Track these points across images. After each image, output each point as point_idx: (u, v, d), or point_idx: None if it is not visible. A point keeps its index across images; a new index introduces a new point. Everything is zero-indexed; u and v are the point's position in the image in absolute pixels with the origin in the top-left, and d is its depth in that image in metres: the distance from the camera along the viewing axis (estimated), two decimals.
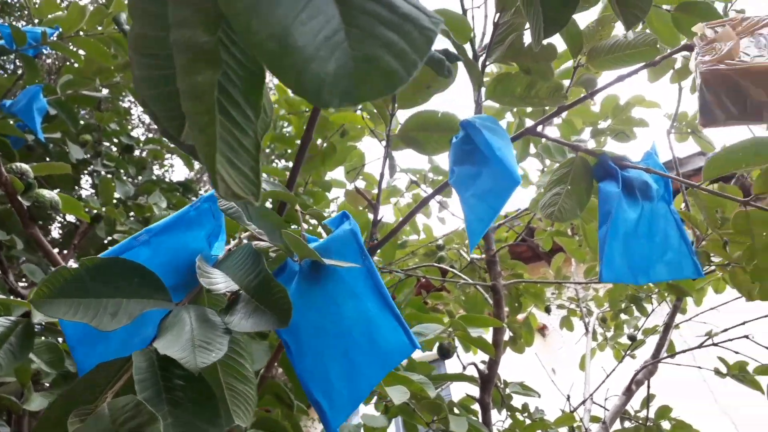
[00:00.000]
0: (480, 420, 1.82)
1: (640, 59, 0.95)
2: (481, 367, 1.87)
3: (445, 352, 1.50)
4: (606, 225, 0.88)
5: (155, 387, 0.54)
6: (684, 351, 1.83)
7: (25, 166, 0.91)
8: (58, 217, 2.41)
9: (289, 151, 2.27)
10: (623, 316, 2.78)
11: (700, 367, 1.93)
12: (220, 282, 0.61)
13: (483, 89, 0.97)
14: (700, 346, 1.85)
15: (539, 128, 1.00)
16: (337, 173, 4.28)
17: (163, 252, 0.63)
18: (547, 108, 1.20)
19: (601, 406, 2.16)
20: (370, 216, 1.65)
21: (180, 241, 0.65)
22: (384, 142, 1.07)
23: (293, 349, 0.64)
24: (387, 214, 2.84)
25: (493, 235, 1.89)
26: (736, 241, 1.27)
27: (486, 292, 1.98)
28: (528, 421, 2.05)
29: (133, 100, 3.10)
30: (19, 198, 0.86)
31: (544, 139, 1.71)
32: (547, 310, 2.93)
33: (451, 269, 2.04)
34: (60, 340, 1.00)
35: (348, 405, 0.61)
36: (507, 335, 2.69)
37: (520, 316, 3.03)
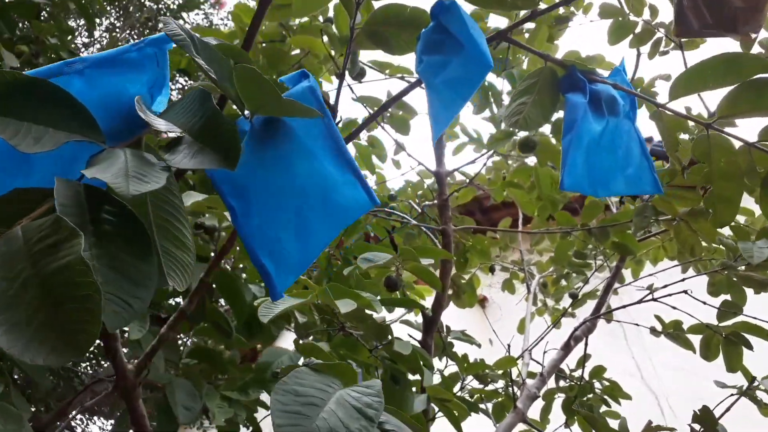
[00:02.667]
0: None
1: None
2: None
3: (393, 284, 1.48)
4: (570, 134, 0.86)
5: (80, 217, 0.48)
6: (625, 306, 1.87)
7: None
8: None
9: None
10: (563, 283, 2.83)
11: (637, 324, 1.98)
12: (162, 124, 0.55)
13: None
14: (641, 301, 1.89)
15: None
16: None
17: (99, 88, 0.56)
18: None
19: (539, 363, 2.20)
20: None
21: (118, 82, 0.58)
22: (347, 46, 1.01)
23: (239, 211, 0.59)
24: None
25: (447, 180, 1.87)
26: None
27: (436, 237, 1.96)
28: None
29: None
30: None
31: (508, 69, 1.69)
32: (491, 270, 2.95)
33: (401, 217, 2.01)
34: None
35: (298, 266, 0.57)
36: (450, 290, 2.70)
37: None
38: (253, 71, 0.51)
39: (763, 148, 0.91)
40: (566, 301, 2.88)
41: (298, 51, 1.64)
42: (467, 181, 2.31)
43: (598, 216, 2.00)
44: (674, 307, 1.74)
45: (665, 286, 1.84)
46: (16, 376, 1.20)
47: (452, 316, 2.56)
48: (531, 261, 3.50)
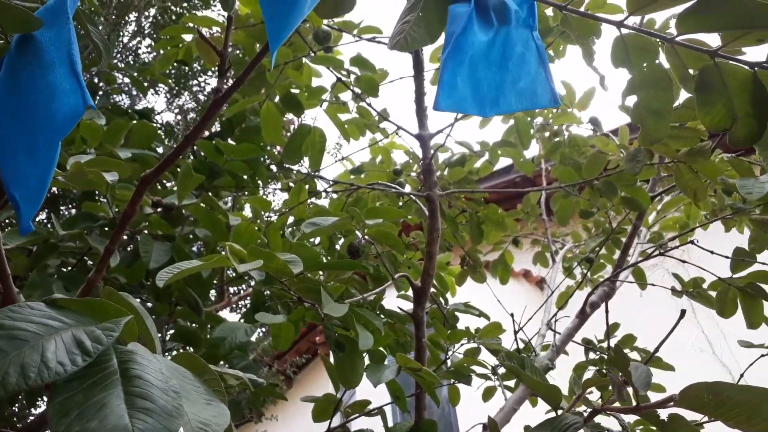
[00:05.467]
0: (414, 334, 1.73)
1: None
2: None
3: (354, 251, 1.40)
4: (449, 48, 0.76)
5: None
6: (635, 263, 1.71)
7: None
8: None
9: None
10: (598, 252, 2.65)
11: (654, 285, 1.81)
12: None
13: None
14: (649, 256, 1.72)
15: None
16: None
17: None
18: None
19: (554, 330, 2.05)
20: None
21: None
22: None
23: None
24: (321, 121, 2.71)
25: (431, 142, 1.76)
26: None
27: (423, 204, 1.86)
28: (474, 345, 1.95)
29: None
30: None
31: None
32: (516, 243, 2.81)
33: (387, 187, 1.92)
34: None
35: (37, 192, 0.51)
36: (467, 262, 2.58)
37: (495, 254, 2.92)
38: None
39: None
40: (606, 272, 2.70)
41: None
42: (467, 151, 2.20)
43: (601, 170, 1.84)
44: (683, 261, 1.57)
45: (672, 239, 1.67)
46: None
47: (510, 300, 2.44)
48: (565, 232, 3.33)
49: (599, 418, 0.88)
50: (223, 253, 1.06)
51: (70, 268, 1.48)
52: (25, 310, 0.46)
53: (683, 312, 0.96)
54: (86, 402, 0.42)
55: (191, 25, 2.05)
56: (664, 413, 0.79)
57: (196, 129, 0.93)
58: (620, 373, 0.77)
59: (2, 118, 0.52)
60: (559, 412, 0.88)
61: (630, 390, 0.87)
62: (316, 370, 7.09)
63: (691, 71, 0.81)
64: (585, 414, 0.79)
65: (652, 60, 0.79)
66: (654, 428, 0.77)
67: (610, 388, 0.84)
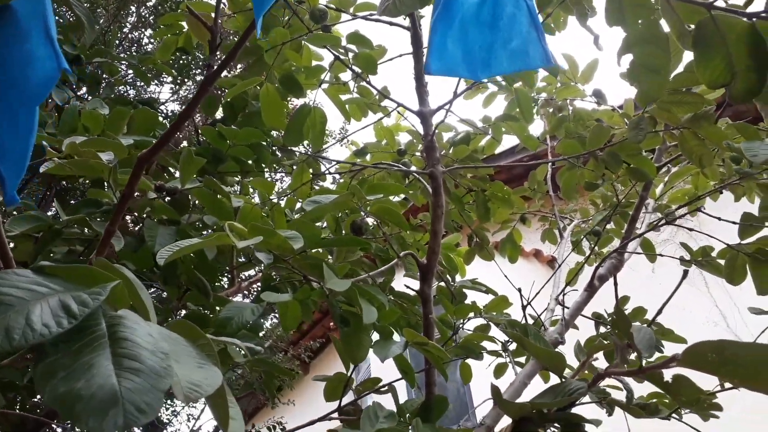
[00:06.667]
0: (421, 311, 1.73)
1: None
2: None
3: (357, 229, 1.40)
4: (438, 11, 0.74)
5: None
6: (642, 234, 1.68)
7: None
8: None
9: None
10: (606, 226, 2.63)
11: (661, 255, 1.79)
12: None
13: None
14: (656, 226, 1.70)
15: None
16: None
17: None
18: None
19: (563, 305, 2.04)
20: None
21: None
22: None
23: None
24: (322, 101, 2.70)
25: (432, 119, 1.75)
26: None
27: (426, 182, 1.85)
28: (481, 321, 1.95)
29: None
30: None
31: None
32: (523, 220, 2.79)
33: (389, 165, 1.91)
34: None
35: (20, 162, 0.51)
36: (474, 241, 2.57)
37: (504, 233, 2.91)
38: None
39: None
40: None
41: None
42: (471, 129, 2.18)
43: (605, 142, 1.82)
44: (690, 229, 1.55)
45: (679, 207, 1.65)
46: None
47: (521, 280, 2.43)
48: (573, 209, 3.30)
49: (607, 387, 0.88)
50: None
51: (79, 256, 1.49)
52: (11, 276, 0.46)
53: (686, 273, 0.95)
54: (73, 364, 0.42)
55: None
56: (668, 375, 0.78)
57: (190, 106, 0.93)
58: (623, 337, 0.76)
59: None
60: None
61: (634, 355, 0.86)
62: (330, 356, 7.14)
63: (688, 28, 0.79)
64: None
65: (647, 16, 0.77)
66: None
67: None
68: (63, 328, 0.43)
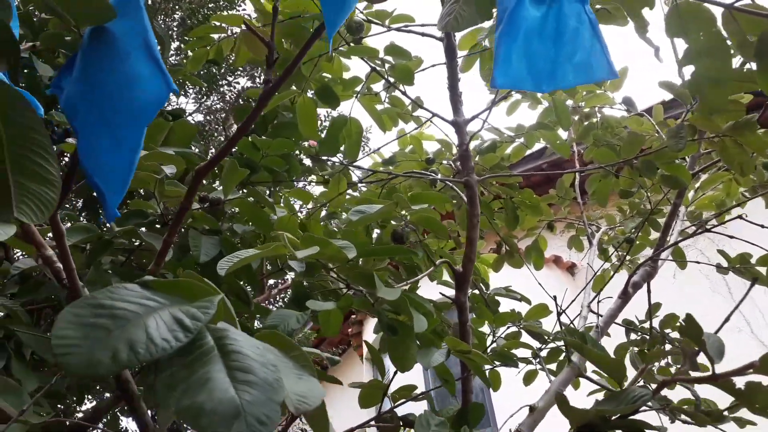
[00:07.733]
0: (456, 320, 1.73)
1: None
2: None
3: (399, 238, 1.41)
4: (502, 25, 0.76)
5: None
6: (677, 242, 1.68)
7: None
8: None
9: None
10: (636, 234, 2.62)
11: (698, 262, 1.79)
12: None
13: None
14: (694, 234, 1.70)
15: None
16: None
17: None
18: None
19: (595, 313, 2.04)
20: None
21: None
22: None
23: (77, 132, 0.55)
24: (355, 111, 2.71)
25: (466, 128, 1.76)
26: None
27: (461, 190, 1.86)
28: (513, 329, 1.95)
29: None
30: None
31: None
32: (550, 227, 2.79)
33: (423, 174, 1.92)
34: None
35: (121, 179, 0.53)
36: (503, 249, 2.57)
37: (528, 240, 2.91)
38: None
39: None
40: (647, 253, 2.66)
41: None
42: (497, 137, 2.19)
43: (639, 149, 1.82)
44: (731, 236, 1.54)
45: (718, 215, 1.64)
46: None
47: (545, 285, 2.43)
48: (598, 215, 3.30)
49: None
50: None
51: (120, 265, 1.51)
52: (121, 290, 0.47)
53: (755, 280, 0.94)
54: (189, 377, 0.44)
55: (217, 23, 2.07)
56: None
57: (249, 120, 0.95)
58: (693, 345, 0.76)
59: (81, 110, 0.54)
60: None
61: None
62: (347, 362, 7.14)
63: (750, 38, 0.80)
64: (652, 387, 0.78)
65: (709, 28, 0.78)
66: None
67: (681, 359, 0.84)
68: (181, 342, 0.44)
